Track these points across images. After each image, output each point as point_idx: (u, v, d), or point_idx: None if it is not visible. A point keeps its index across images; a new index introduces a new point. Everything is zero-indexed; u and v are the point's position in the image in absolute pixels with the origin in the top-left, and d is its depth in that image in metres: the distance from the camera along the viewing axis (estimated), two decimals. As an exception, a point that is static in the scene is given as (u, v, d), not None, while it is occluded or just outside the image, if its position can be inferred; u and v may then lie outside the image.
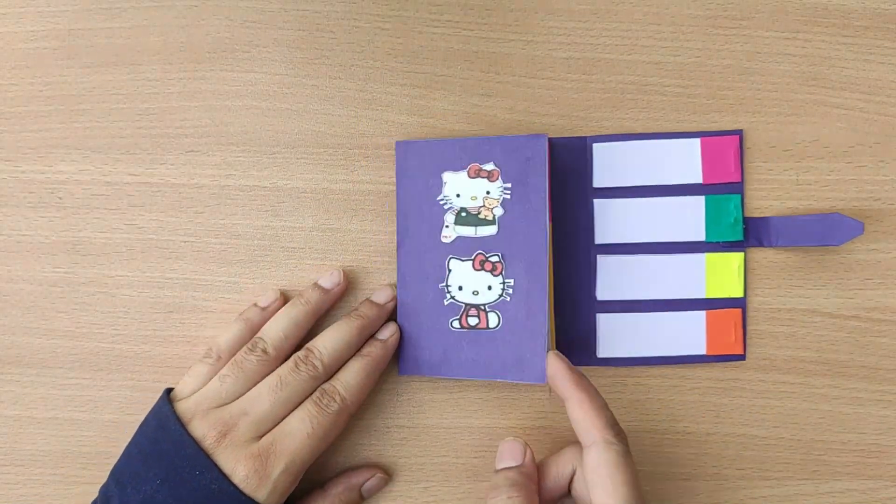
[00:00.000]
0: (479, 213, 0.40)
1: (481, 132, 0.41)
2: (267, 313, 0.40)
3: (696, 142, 0.41)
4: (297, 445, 0.36)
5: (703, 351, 0.41)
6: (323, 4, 0.42)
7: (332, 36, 0.42)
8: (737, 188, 0.41)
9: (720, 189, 0.41)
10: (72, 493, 0.42)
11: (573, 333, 0.41)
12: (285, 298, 0.41)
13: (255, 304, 0.41)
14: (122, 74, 0.41)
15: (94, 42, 0.41)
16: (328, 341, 0.38)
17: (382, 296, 0.41)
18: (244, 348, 0.38)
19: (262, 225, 0.41)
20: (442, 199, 0.40)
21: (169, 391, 0.38)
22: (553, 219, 0.41)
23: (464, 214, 0.40)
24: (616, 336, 0.41)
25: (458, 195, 0.40)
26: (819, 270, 0.42)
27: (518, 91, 0.42)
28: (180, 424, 0.36)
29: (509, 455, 0.37)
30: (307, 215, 0.42)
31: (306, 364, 0.37)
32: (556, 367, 0.37)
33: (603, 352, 0.41)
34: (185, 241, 0.42)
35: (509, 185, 0.39)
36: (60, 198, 0.42)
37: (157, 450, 0.35)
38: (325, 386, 0.38)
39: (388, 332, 0.40)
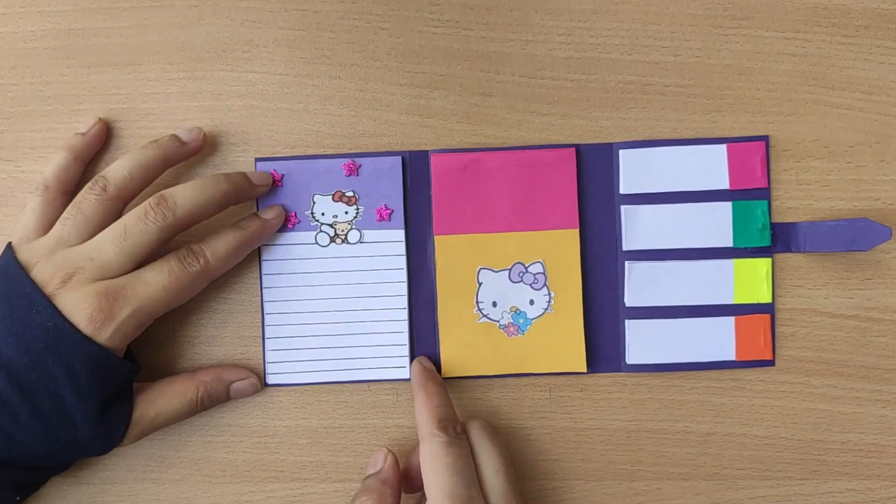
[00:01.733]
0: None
1: (481, 132, 0.41)
2: (88, 138, 0.40)
3: (723, 148, 0.41)
4: (150, 294, 0.36)
5: (732, 357, 0.41)
6: (323, 4, 0.42)
7: (332, 36, 0.42)
8: (763, 194, 0.41)
9: (747, 195, 0.41)
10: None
11: (602, 340, 0.41)
12: (105, 124, 0.41)
13: (76, 132, 0.40)
14: (122, 74, 0.41)
15: (94, 42, 0.41)
16: (188, 193, 0.37)
17: (256, 176, 0.40)
18: (85, 187, 0.37)
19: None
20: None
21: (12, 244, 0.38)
22: (580, 226, 0.41)
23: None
24: (645, 342, 0.41)
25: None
26: (819, 270, 0.42)
27: (518, 91, 0.42)
28: (20, 267, 0.35)
29: (372, 464, 0.39)
30: (307, 215, 0.42)
31: (156, 212, 0.36)
32: (412, 370, 0.40)
33: (632, 358, 0.41)
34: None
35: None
36: (60, 198, 0.42)
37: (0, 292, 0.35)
38: (193, 245, 0.37)
39: (272, 214, 0.40)
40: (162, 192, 0.37)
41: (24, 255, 0.36)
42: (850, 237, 0.39)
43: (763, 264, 0.41)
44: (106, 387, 0.36)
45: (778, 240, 0.41)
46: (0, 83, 0.42)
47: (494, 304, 0.41)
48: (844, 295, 0.42)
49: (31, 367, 0.34)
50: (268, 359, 0.41)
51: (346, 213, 0.41)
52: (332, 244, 0.41)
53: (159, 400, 0.38)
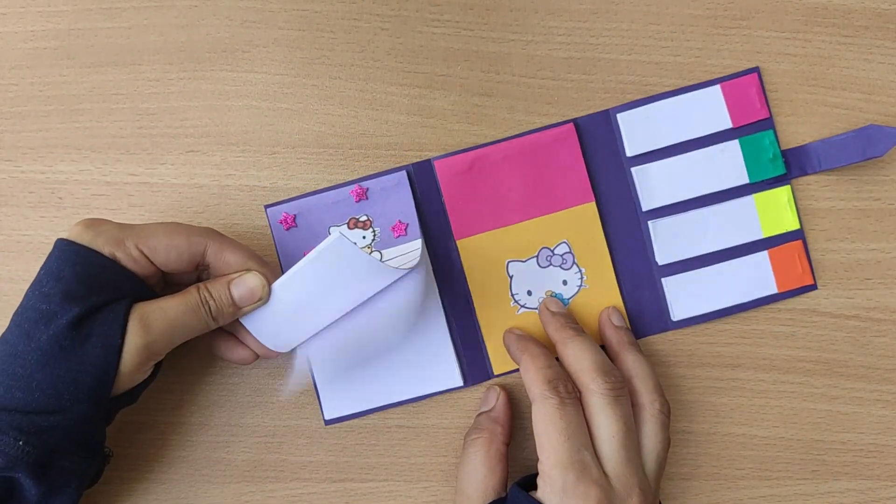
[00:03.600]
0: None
1: (481, 132, 0.42)
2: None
3: (717, 88, 0.41)
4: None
5: (774, 290, 0.41)
6: (323, 4, 0.42)
7: (332, 36, 0.42)
8: (767, 124, 0.41)
9: (751, 129, 0.41)
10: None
11: (643, 304, 0.42)
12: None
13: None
14: (122, 74, 0.41)
15: (94, 42, 0.41)
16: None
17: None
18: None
19: (262, 224, 0.41)
20: None
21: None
22: (595, 197, 0.41)
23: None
24: (687, 296, 0.41)
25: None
26: (819, 270, 0.42)
27: (518, 91, 0.42)
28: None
29: (484, 402, 0.41)
30: (307, 215, 0.42)
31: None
32: (505, 342, 0.41)
33: (677, 314, 0.41)
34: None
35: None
36: (60, 198, 0.42)
37: None
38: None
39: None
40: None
41: None
42: (861, 146, 0.39)
43: (783, 192, 0.41)
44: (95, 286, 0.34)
45: (792, 165, 0.41)
46: (0, 83, 0.42)
47: (530, 293, 0.41)
48: (844, 295, 0.42)
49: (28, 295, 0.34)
50: (321, 395, 0.41)
51: (364, 237, 0.41)
52: None
53: (160, 301, 0.35)
